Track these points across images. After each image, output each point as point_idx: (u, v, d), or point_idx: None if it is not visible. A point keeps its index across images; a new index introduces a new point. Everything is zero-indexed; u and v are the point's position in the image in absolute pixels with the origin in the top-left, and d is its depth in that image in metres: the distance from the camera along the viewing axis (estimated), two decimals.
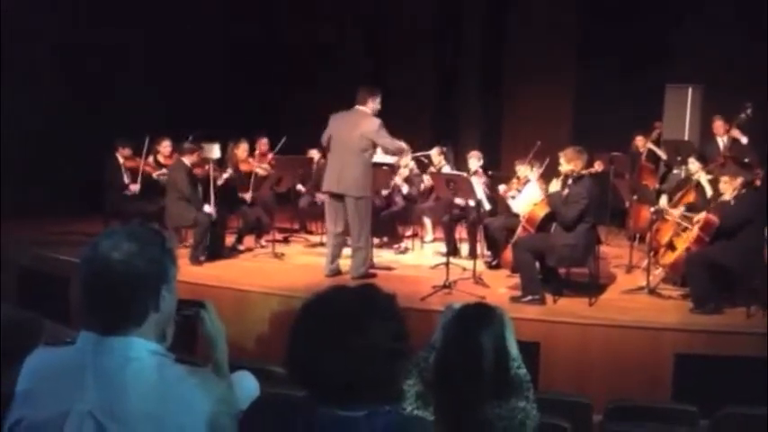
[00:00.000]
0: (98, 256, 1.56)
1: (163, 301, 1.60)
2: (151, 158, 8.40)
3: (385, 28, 11.56)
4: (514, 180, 7.62)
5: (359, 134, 6.48)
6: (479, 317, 2.31)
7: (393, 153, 7.00)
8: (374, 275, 6.74)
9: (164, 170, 8.12)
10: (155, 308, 1.59)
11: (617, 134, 9.29)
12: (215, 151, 7.81)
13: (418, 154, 8.68)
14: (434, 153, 8.61)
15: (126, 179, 8.08)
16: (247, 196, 8.16)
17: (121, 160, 8.15)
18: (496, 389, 2.19)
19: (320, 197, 7.84)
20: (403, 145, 6.93)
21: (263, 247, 8.16)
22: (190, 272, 6.73)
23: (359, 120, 6.53)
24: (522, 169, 7.56)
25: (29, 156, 8.87)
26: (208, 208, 7.43)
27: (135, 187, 8.06)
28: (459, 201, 7.62)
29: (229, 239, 8.03)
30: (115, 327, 1.57)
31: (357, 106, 6.58)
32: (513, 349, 2.33)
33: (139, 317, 1.58)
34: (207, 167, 7.67)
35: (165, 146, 8.43)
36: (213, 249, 7.41)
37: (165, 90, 9.77)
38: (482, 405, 2.16)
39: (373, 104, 6.56)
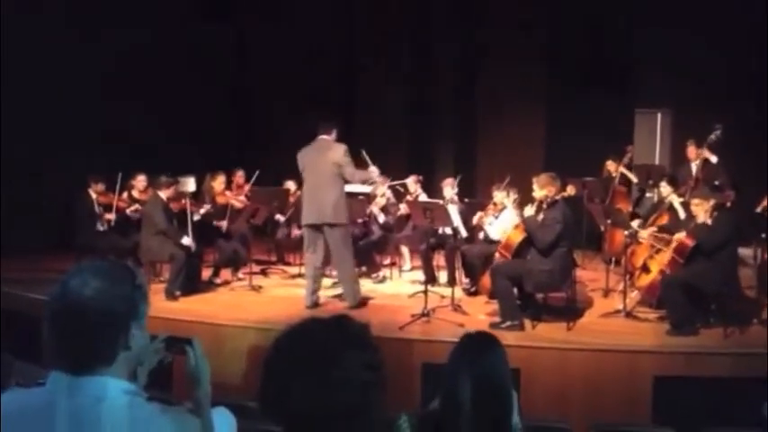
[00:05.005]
0: (67, 294, 1.53)
1: (133, 339, 1.58)
2: (125, 194, 8.34)
3: (358, 57, 11.65)
4: (491, 206, 7.65)
5: (329, 161, 6.56)
6: (482, 342, 2.30)
7: (359, 182, 7.03)
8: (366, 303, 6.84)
9: (137, 206, 8.05)
10: (125, 346, 1.57)
11: (589, 159, 9.40)
12: (191, 185, 7.78)
13: (394, 183, 8.72)
14: (410, 182, 8.66)
15: (99, 215, 8.01)
16: (223, 224, 8.12)
17: (94, 195, 8.08)
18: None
19: (296, 232, 7.84)
20: (370, 175, 6.93)
21: (240, 279, 8.09)
22: (165, 307, 6.65)
23: (326, 148, 6.64)
24: (500, 195, 7.60)
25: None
26: (187, 240, 7.34)
27: (109, 216, 7.97)
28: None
29: (206, 273, 7.96)
30: (85, 366, 1.54)
31: (321, 136, 6.70)
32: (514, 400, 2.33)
33: (110, 355, 1.55)
34: (183, 201, 7.62)
35: (141, 180, 8.39)
36: (189, 284, 7.31)
37: (141, 124, 9.73)
38: None
39: (336, 133, 6.73)
